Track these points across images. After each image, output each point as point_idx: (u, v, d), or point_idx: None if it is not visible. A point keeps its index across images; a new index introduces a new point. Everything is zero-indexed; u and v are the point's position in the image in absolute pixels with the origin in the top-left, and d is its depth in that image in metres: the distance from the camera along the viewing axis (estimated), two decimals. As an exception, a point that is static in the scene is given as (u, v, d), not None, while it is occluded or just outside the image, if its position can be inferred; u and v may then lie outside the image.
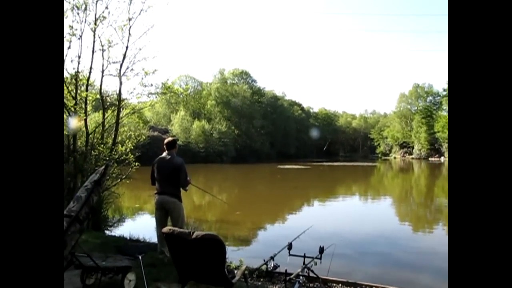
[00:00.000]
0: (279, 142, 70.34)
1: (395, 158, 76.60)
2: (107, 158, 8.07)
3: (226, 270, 3.78)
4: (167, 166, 5.03)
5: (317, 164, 49.99)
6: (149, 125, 49.68)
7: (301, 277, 3.78)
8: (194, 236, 3.00)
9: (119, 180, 8.72)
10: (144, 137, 9.95)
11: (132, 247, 5.97)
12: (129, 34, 8.32)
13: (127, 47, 8.33)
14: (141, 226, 9.77)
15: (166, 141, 5.21)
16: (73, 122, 7.77)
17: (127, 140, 8.85)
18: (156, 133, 43.37)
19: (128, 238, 7.00)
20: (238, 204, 15.72)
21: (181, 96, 61.66)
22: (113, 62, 8.44)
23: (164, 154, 5.15)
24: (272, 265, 3.87)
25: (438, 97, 73.84)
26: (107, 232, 8.30)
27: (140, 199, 15.64)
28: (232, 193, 20.44)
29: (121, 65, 8.42)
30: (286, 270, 3.36)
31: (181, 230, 3.17)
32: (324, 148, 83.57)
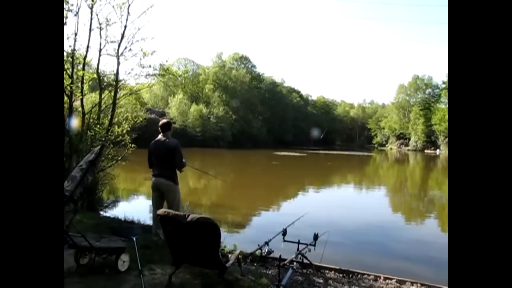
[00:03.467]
0: (276, 128, 70.29)
1: (391, 149, 76.84)
2: (103, 139, 8.01)
3: (220, 254, 3.79)
4: (162, 148, 5.00)
5: (313, 152, 50.09)
6: (146, 107, 49.39)
7: (294, 263, 3.80)
8: (189, 219, 2.99)
9: (114, 161, 8.68)
10: (141, 119, 9.88)
11: (126, 228, 5.97)
12: (128, 13, 8.17)
13: (125, 27, 8.20)
14: (136, 208, 9.79)
15: (160, 123, 5.16)
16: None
17: (124, 122, 8.79)
18: (153, 116, 43.12)
19: (122, 219, 7.00)
20: (234, 189, 15.75)
21: (179, 79, 61.27)
22: (111, 42, 8.31)
23: (159, 136, 5.11)
24: (266, 251, 3.88)
25: (437, 90, 73.68)
26: (102, 213, 8.29)
27: (136, 181, 15.63)
28: (228, 177, 20.46)
29: (119, 45, 8.29)
30: (280, 256, 3.37)
31: (176, 212, 3.16)
32: (321, 136, 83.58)
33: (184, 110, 51.50)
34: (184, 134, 47.93)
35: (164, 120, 5.23)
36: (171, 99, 54.47)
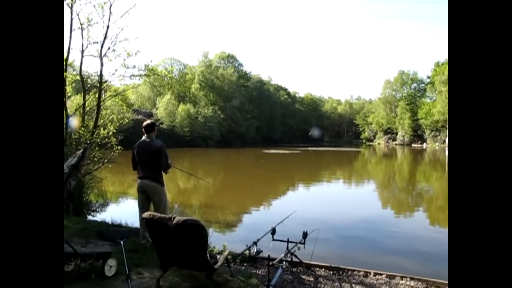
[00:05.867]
0: (265, 126, 70.35)
1: (379, 144, 77.55)
2: (88, 142, 7.87)
3: (208, 255, 3.74)
4: (147, 150, 4.91)
5: (302, 149, 50.24)
6: (133, 108, 48.87)
7: (284, 263, 3.76)
8: (175, 221, 2.93)
9: (101, 164, 8.54)
10: (127, 120, 9.73)
11: (114, 232, 5.87)
12: (110, 12, 8.03)
13: (108, 27, 8.06)
14: (124, 211, 9.65)
15: (144, 124, 5.05)
16: None
17: (109, 123, 8.64)
18: (140, 117, 42.59)
19: (110, 223, 6.88)
20: (223, 188, 15.69)
21: (166, 79, 60.79)
22: (94, 42, 8.16)
23: (144, 137, 5.01)
24: (255, 251, 3.84)
25: (422, 84, 74.68)
26: (89, 217, 8.16)
27: (124, 183, 15.44)
28: (217, 177, 20.38)
29: (102, 46, 8.15)
30: (269, 256, 3.33)
31: (162, 215, 3.10)
32: (310, 134, 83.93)
33: (171, 110, 51.15)
34: (172, 134, 47.65)
35: (148, 121, 5.13)
36: (158, 100, 54.01)
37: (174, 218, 2.97)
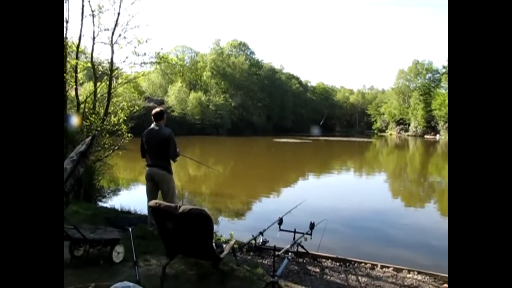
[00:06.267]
0: (276, 115, 70.05)
1: (391, 134, 76.76)
2: (99, 129, 7.93)
3: (214, 244, 3.75)
4: (155, 138, 4.91)
5: (313, 138, 50.04)
6: (145, 96, 49.06)
7: (289, 253, 3.75)
8: (180, 210, 2.93)
9: (111, 151, 8.61)
10: (138, 108, 9.76)
11: (123, 218, 5.94)
12: (121, -1, 8.00)
13: (119, 14, 8.05)
14: (133, 198, 9.76)
15: (153, 112, 5.05)
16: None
17: (120, 111, 8.69)
18: (151, 104, 42.75)
19: (119, 209, 6.96)
20: (233, 177, 15.75)
21: (177, 66, 60.60)
22: (105, 29, 8.17)
23: (152, 125, 5.01)
24: (261, 240, 3.83)
25: (438, 74, 73.12)
26: (99, 203, 8.26)
27: (135, 170, 15.58)
28: (228, 165, 20.46)
29: (113, 33, 8.15)
30: (274, 246, 3.32)
31: (168, 204, 3.10)
32: (321, 123, 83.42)
33: (182, 98, 51.18)
34: (183, 122, 47.81)
35: (157, 109, 5.13)
36: (170, 87, 54.05)
37: (180, 207, 2.97)
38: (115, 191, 11.15)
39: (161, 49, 9.37)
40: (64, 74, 7.53)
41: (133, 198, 9.48)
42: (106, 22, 8.13)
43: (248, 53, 68.93)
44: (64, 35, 7.55)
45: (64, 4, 7.38)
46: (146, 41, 8.54)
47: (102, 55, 9.32)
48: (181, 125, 46.68)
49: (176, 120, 46.53)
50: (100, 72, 8.97)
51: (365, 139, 56.52)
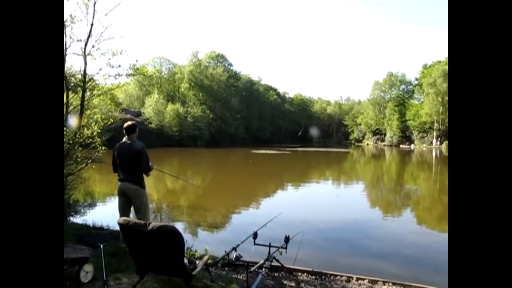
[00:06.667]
0: (254, 126, 70.25)
1: (367, 144, 78.07)
2: (71, 142, 7.71)
3: (187, 260, 3.66)
4: (127, 152, 4.79)
5: (291, 149, 50.31)
6: (121, 108, 48.35)
7: (263, 269, 3.69)
8: (150, 227, 2.84)
9: (84, 164, 8.38)
10: (113, 120, 9.56)
11: (94, 235, 5.74)
12: (94, 10, 7.86)
13: (92, 24, 7.88)
14: (109, 212, 9.49)
15: (125, 125, 4.92)
16: None
17: (93, 123, 8.48)
18: (128, 116, 42.22)
19: (91, 225, 6.74)
20: (211, 189, 15.58)
21: (155, 78, 60.24)
22: (77, 40, 7.99)
23: (124, 139, 4.89)
24: (234, 256, 3.75)
25: (411, 86, 75.41)
26: (71, 218, 8.00)
27: (112, 183, 15.11)
28: (206, 177, 20.27)
29: (85, 44, 7.98)
30: (247, 262, 3.25)
31: (137, 221, 3.01)
32: (299, 134, 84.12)
33: (160, 110, 50.67)
34: (161, 134, 47.28)
35: (129, 123, 5.01)
36: (147, 99, 53.45)
37: (149, 224, 2.88)
38: (91, 205, 10.84)
39: (136, 61, 9.25)
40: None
41: (108, 213, 9.22)
42: (79, 33, 7.96)
43: (226, 64, 69.19)
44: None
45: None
46: (121, 53, 8.40)
47: (75, 66, 9.06)
48: (159, 137, 46.12)
49: (153, 132, 45.97)
50: (72, 84, 8.75)
51: (343, 150, 57.26)
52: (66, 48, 7.93)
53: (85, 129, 8.33)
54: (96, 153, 8.44)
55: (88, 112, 8.99)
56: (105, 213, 9.22)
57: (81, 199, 11.30)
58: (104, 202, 11.87)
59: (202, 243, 5.97)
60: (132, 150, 4.75)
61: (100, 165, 8.80)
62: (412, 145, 65.80)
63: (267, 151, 42.80)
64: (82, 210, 9.70)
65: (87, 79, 8.31)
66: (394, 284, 4.19)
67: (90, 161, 8.39)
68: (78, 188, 9.30)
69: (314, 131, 73.30)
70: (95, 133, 8.26)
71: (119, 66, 8.56)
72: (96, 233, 5.96)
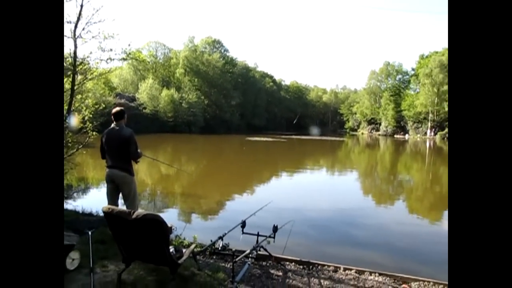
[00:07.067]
0: (249, 113, 70.13)
1: (362, 133, 78.31)
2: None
3: (174, 249, 3.64)
4: (115, 138, 4.71)
5: (286, 137, 50.33)
6: (116, 92, 47.99)
7: (250, 258, 3.68)
8: (134, 216, 2.80)
9: (75, 149, 8.30)
10: (104, 105, 9.44)
11: (83, 222, 5.71)
12: (84, -10, 7.67)
13: (81, 6, 7.71)
14: (98, 199, 9.45)
15: (113, 111, 4.83)
16: None
17: (84, 108, 8.37)
18: (123, 101, 41.99)
19: (80, 212, 6.69)
20: (205, 175, 15.57)
21: (150, 63, 59.68)
22: (67, 22, 7.82)
23: (112, 125, 4.81)
24: (220, 245, 3.74)
25: (407, 76, 75.36)
26: (61, 204, 7.94)
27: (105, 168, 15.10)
28: (200, 164, 20.24)
29: (75, 26, 7.81)
30: (233, 252, 3.23)
31: (121, 209, 2.97)
32: (294, 122, 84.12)
33: (155, 95, 50.27)
34: (155, 120, 47.07)
35: (117, 108, 4.91)
36: (142, 84, 53.01)
37: (133, 212, 2.84)
38: (84, 190, 10.79)
39: (129, 45, 9.09)
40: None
41: (99, 199, 9.17)
42: (68, 14, 7.78)
43: (222, 50, 68.60)
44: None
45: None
46: (113, 36, 8.25)
47: (64, 49, 8.88)
48: (153, 122, 45.93)
49: (148, 117, 45.72)
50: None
51: (338, 138, 57.37)
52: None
53: (76, 113, 8.23)
54: (88, 138, 8.36)
55: (79, 96, 8.87)
56: (96, 199, 9.18)
57: (74, 184, 11.25)
58: (98, 187, 11.81)
59: (192, 231, 5.95)
60: (121, 136, 4.68)
61: (93, 150, 8.71)
62: (407, 135, 66.10)
63: (262, 139, 42.79)
64: (75, 195, 9.66)
65: (77, 63, 8.17)
66: (380, 274, 4.21)
67: (81, 146, 8.31)
68: (71, 173, 9.22)
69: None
70: (86, 118, 8.17)
71: (111, 50, 8.42)
72: (85, 220, 5.92)
